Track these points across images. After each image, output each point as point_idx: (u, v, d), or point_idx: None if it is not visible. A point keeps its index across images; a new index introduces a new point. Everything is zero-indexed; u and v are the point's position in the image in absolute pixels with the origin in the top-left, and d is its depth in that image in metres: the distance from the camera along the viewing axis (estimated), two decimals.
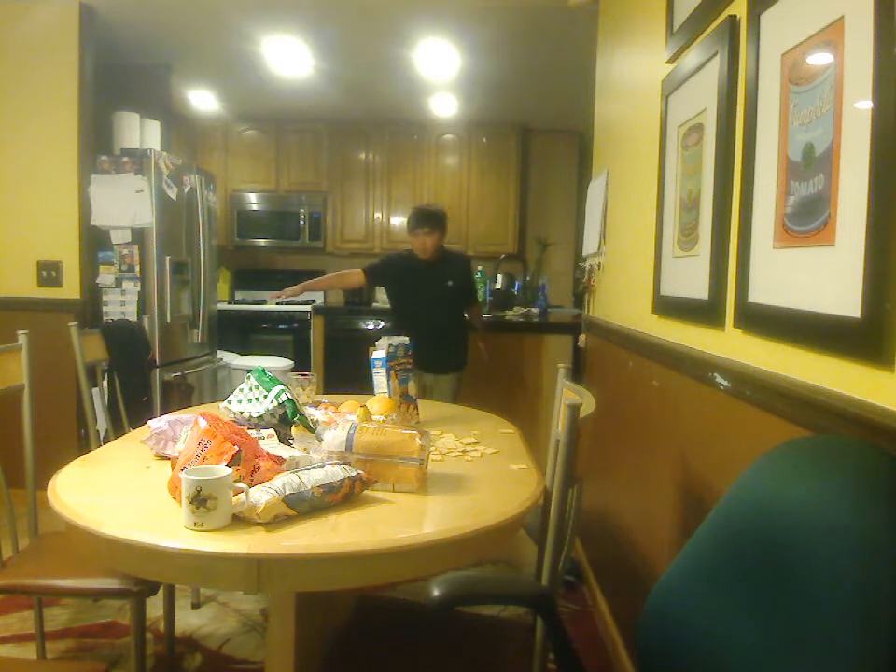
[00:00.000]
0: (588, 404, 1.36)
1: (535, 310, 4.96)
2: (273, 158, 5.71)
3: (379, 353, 2.10)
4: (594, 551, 2.78)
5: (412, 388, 2.15)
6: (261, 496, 1.21)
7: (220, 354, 4.63)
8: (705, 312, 1.56)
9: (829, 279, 1.05)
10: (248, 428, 1.68)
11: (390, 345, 2.10)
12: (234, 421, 1.69)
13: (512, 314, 4.88)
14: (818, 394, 1.05)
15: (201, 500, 1.17)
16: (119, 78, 3.95)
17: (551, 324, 4.61)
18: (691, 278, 1.67)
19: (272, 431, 1.69)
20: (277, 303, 3.24)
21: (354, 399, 2.08)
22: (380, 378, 2.10)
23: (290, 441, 1.67)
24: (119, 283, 3.55)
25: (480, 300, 3.69)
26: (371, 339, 2.24)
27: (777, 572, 0.80)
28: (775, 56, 1.24)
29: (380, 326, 5.56)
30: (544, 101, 4.99)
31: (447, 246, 3.51)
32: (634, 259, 2.31)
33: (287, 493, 1.23)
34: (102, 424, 2.77)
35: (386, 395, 2.06)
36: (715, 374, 1.46)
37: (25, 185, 3.41)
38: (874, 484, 0.75)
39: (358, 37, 3.83)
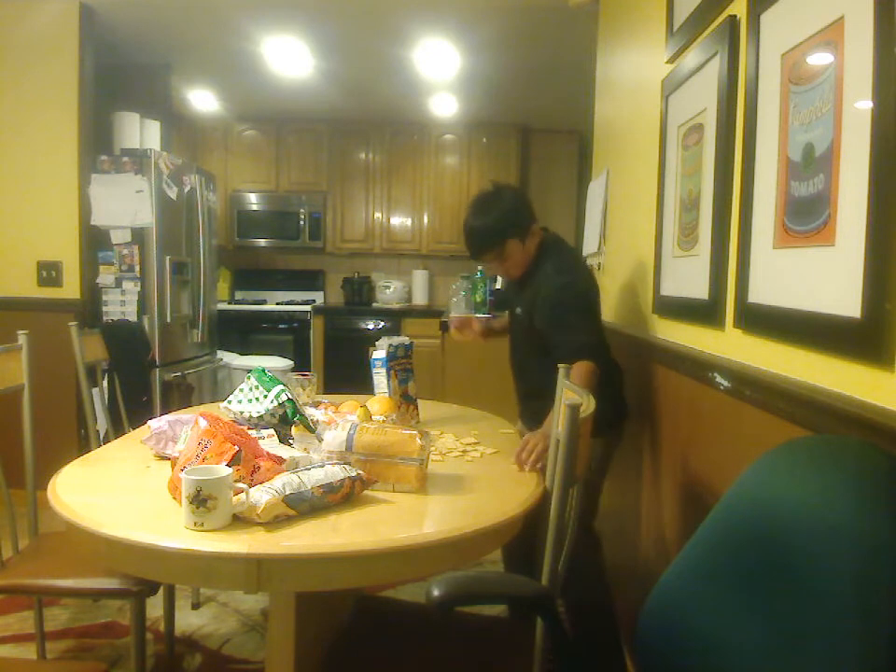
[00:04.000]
0: (588, 404, 1.36)
1: None
2: (273, 158, 5.71)
3: (379, 353, 2.10)
4: None
5: (412, 388, 2.15)
6: (261, 496, 1.21)
7: (220, 354, 4.63)
8: (705, 312, 1.57)
9: (829, 279, 1.05)
10: (248, 428, 1.68)
11: (390, 345, 2.11)
12: (234, 421, 1.69)
13: None
14: (818, 394, 1.05)
15: (201, 500, 1.17)
16: (119, 78, 3.95)
17: None
18: (691, 278, 1.68)
19: (272, 431, 1.69)
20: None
21: (354, 399, 2.07)
22: (380, 378, 2.10)
23: (290, 440, 1.67)
24: (119, 283, 3.55)
25: (568, 345, 1.83)
26: (371, 339, 2.24)
27: (777, 572, 0.80)
28: (775, 56, 1.25)
29: (380, 326, 5.57)
30: (544, 101, 4.99)
31: (557, 249, 2.05)
32: (634, 259, 2.31)
33: (287, 493, 1.23)
34: (102, 424, 2.77)
35: (386, 395, 2.06)
36: (715, 374, 1.46)
37: (25, 185, 3.41)
38: (874, 484, 0.75)
39: (358, 37, 3.83)
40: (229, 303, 5.68)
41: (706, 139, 1.61)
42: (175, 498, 1.31)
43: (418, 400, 2.16)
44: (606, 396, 1.68)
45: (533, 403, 2.01)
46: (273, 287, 6.01)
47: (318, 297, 6.01)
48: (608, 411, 1.84)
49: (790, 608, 0.76)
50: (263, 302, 5.75)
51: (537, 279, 1.96)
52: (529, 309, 1.97)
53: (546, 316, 1.90)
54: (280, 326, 5.55)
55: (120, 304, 3.56)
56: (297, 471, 1.32)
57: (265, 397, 1.74)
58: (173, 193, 3.70)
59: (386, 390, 2.08)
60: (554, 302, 1.88)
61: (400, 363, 2.13)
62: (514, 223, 1.94)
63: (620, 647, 1.98)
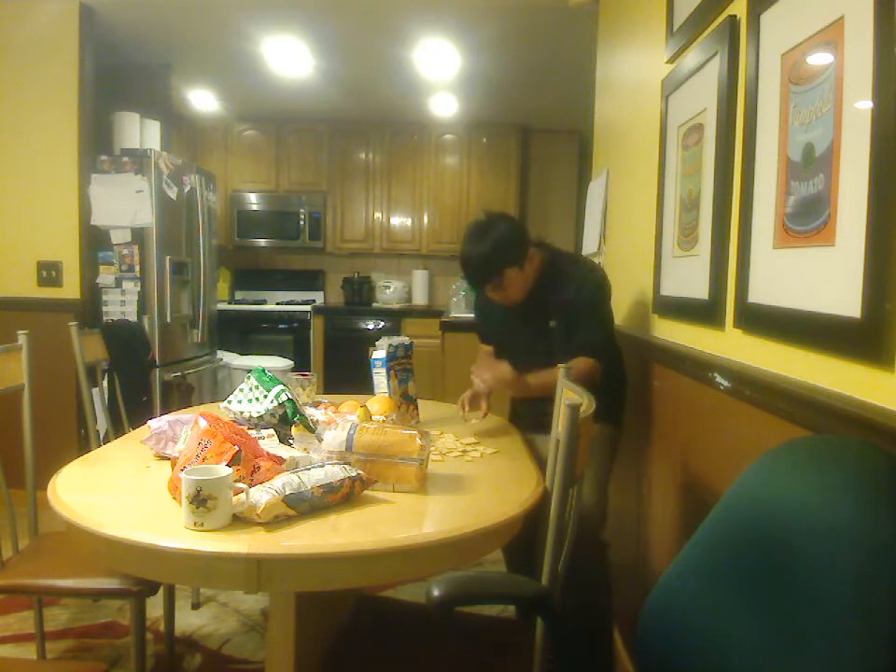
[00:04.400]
0: (588, 404, 1.36)
1: None
2: (273, 158, 5.71)
3: (379, 353, 2.10)
4: None
5: (411, 388, 2.15)
6: (261, 496, 1.21)
7: (220, 354, 4.63)
8: (705, 312, 1.57)
9: (829, 279, 1.05)
10: (248, 428, 1.68)
11: (390, 345, 2.11)
12: (234, 421, 1.69)
13: None
14: (818, 394, 1.05)
15: (201, 500, 1.17)
16: (119, 78, 3.95)
17: None
18: (691, 278, 1.68)
19: (272, 431, 1.69)
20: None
21: (354, 399, 2.07)
22: (380, 378, 2.10)
23: (290, 440, 1.67)
24: (119, 283, 3.55)
25: (590, 342, 1.91)
26: (371, 339, 2.24)
27: (777, 572, 0.80)
28: (775, 56, 1.25)
29: (380, 326, 5.57)
30: (544, 101, 4.99)
31: (565, 258, 2.08)
32: (634, 259, 2.31)
33: (287, 493, 1.23)
34: (102, 424, 2.77)
35: (386, 395, 2.06)
36: (715, 374, 1.46)
37: (25, 185, 3.41)
38: (874, 484, 0.75)
39: (358, 37, 3.83)
40: (229, 303, 5.68)
41: (706, 139, 1.61)
42: (174, 498, 1.31)
43: (418, 400, 2.16)
44: (610, 391, 1.81)
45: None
46: (273, 287, 6.01)
47: (318, 297, 6.01)
48: (610, 402, 1.94)
49: (790, 608, 0.76)
50: (263, 302, 5.75)
51: (562, 286, 1.96)
52: (565, 315, 1.95)
53: (580, 309, 1.92)
54: (280, 326, 5.55)
55: (120, 304, 3.56)
56: (297, 471, 1.32)
57: (265, 397, 1.74)
58: (173, 193, 3.70)
59: (386, 390, 2.08)
60: (590, 299, 1.94)
61: (401, 363, 2.13)
62: (511, 251, 1.93)
63: (612, 650, 1.99)
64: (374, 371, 2.11)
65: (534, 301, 2.01)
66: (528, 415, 2.14)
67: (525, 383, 1.89)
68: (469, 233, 2.00)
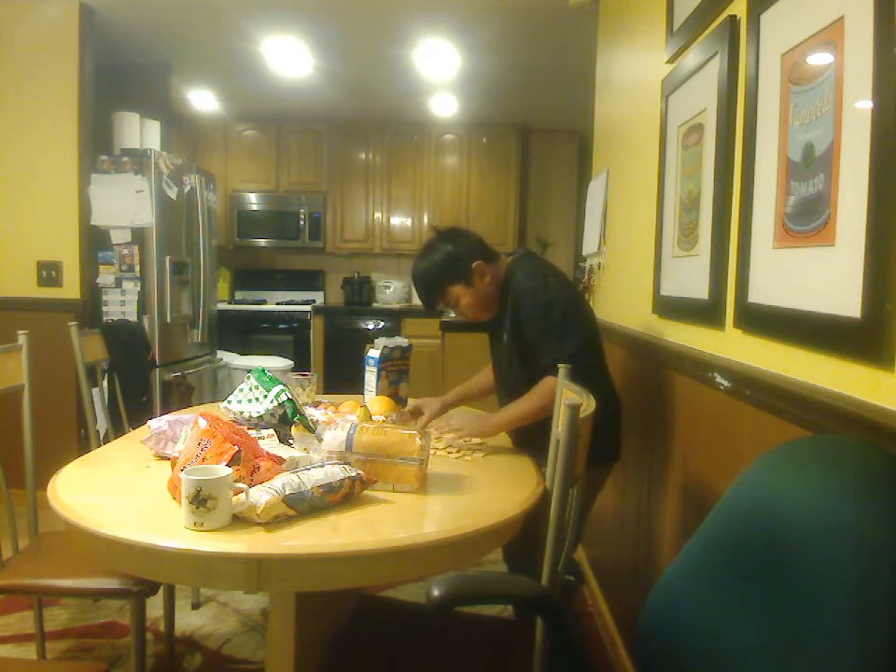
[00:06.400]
0: (588, 404, 1.36)
1: None
2: (273, 158, 5.71)
3: (374, 352, 2.11)
4: (594, 551, 2.78)
5: (402, 390, 2.15)
6: (261, 496, 1.21)
7: (220, 354, 4.63)
8: (705, 312, 1.57)
9: (829, 279, 1.05)
10: (248, 428, 1.68)
11: (385, 347, 2.11)
12: (234, 421, 1.69)
13: None
14: (818, 394, 1.05)
15: (201, 500, 1.17)
16: (118, 78, 3.96)
17: None
18: (691, 278, 1.67)
19: (272, 431, 1.69)
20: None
21: (354, 399, 2.08)
22: (370, 377, 2.11)
23: (290, 440, 1.67)
24: (119, 283, 3.55)
25: (559, 350, 1.73)
26: (371, 339, 2.25)
27: (776, 572, 0.80)
28: (775, 56, 1.25)
29: (380, 326, 5.57)
30: (544, 101, 4.99)
31: (519, 268, 1.92)
32: (634, 259, 2.31)
33: (287, 493, 1.23)
34: (102, 424, 2.77)
35: (374, 394, 2.08)
36: (715, 374, 1.46)
37: (25, 185, 3.41)
38: (874, 484, 0.75)
39: (358, 37, 3.83)
40: (229, 303, 5.68)
41: (706, 139, 1.61)
42: (174, 498, 1.31)
43: (409, 400, 2.17)
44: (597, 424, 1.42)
45: (530, 431, 1.81)
46: (272, 287, 6.01)
47: (318, 297, 6.01)
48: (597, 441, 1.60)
49: (790, 607, 0.76)
50: (263, 302, 5.75)
51: (510, 298, 1.88)
52: (516, 329, 1.86)
53: (535, 321, 1.80)
54: (280, 326, 5.55)
55: (120, 304, 3.56)
56: (297, 471, 1.32)
57: (265, 397, 1.74)
58: (173, 193, 3.70)
59: (374, 389, 2.09)
60: (542, 307, 1.79)
61: (395, 364, 2.13)
62: (450, 269, 1.89)
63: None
64: (367, 368, 2.13)
65: (495, 320, 1.95)
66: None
67: (498, 424, 1.82)
68: (417, 253, 1.98)
